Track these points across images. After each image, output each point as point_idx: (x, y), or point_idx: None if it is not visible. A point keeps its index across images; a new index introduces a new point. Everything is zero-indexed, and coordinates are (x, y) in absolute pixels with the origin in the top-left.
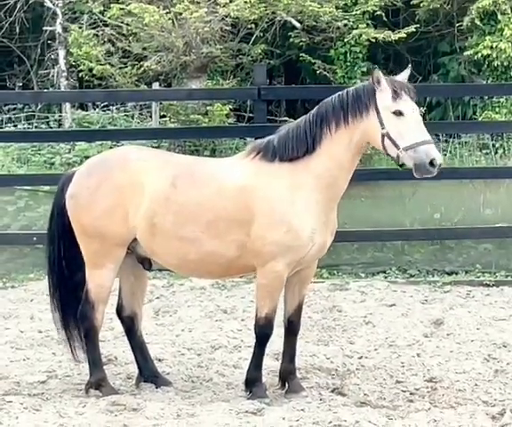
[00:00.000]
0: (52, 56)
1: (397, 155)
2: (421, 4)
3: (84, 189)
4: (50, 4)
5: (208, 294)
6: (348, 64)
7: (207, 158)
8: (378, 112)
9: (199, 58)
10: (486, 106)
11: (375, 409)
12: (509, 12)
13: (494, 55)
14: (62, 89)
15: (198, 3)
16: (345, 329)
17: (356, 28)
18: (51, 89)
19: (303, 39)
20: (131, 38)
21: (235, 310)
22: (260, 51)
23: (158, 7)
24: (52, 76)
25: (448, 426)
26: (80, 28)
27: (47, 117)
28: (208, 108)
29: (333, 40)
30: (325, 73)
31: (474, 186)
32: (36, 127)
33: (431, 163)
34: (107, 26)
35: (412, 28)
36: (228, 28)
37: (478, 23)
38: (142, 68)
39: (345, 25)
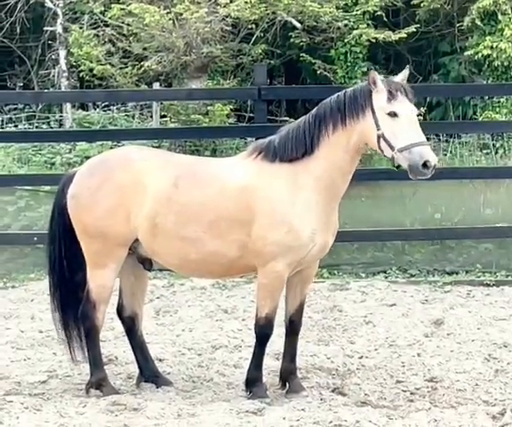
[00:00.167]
0: (53, 56)
1: (392, 156)
2: (422, 5)
3: (85, 189)
4: (50, 5)
5: (209, 294)
6: (349, 64)
7: (208, 158)
8: (374, 113)
9: (200, 58)
10: (487, 106)
11: (376, 409)
12: (510, 12)
13: (494, 55)
14: (63, 89)
15: (199, 3)
16: (345, 329)
17: (357, 29)
18: (51, 89)
19: (303, 39)
20: (131, 38)
21: (235, 310)
22: (260, 51)
23: (159, 7)
24: (53, 76)
25: (448, 426)
26: (81, 28)
27: (48, 117)
28: (209, 108)
29: (334, 40)
30: (326, 73)
31: (474, 186)
32: (36, 127)
33: (424, 164)
34: (107, 26)
35: (412, 29)
36: (228, 28)
37: (479, 23)
38: (143, 69)
39: (345, 25)
